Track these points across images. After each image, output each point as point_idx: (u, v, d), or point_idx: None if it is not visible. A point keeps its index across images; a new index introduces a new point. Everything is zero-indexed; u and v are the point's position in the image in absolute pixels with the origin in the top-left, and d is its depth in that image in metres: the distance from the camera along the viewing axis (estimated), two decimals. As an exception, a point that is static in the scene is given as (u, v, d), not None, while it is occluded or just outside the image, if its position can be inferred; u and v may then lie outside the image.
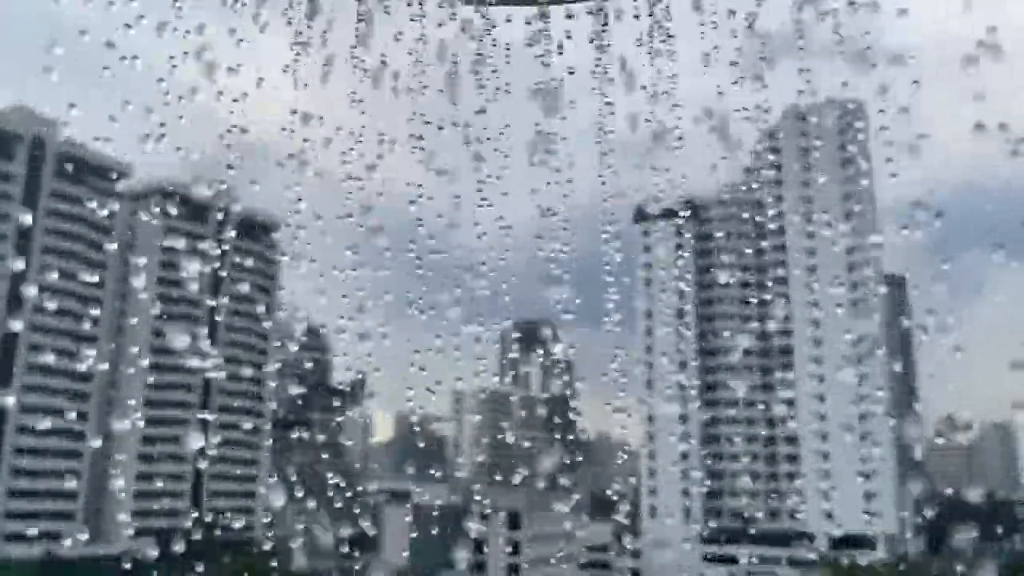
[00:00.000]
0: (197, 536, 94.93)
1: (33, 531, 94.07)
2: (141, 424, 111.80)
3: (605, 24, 7.07)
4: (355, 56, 7.04)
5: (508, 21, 7.06)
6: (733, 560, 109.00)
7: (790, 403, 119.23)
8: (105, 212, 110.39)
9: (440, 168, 7.62)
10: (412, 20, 6.93)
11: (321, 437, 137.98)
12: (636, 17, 7.09)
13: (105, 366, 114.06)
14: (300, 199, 7.96)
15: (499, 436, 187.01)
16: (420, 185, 7.88)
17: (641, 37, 7.13)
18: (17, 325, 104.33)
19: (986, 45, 6.29)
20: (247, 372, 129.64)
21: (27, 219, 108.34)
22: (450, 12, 6.92)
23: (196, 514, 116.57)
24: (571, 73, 7.14)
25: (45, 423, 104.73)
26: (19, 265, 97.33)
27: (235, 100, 7.44)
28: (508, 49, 7.11)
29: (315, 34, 7.10)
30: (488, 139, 7.45)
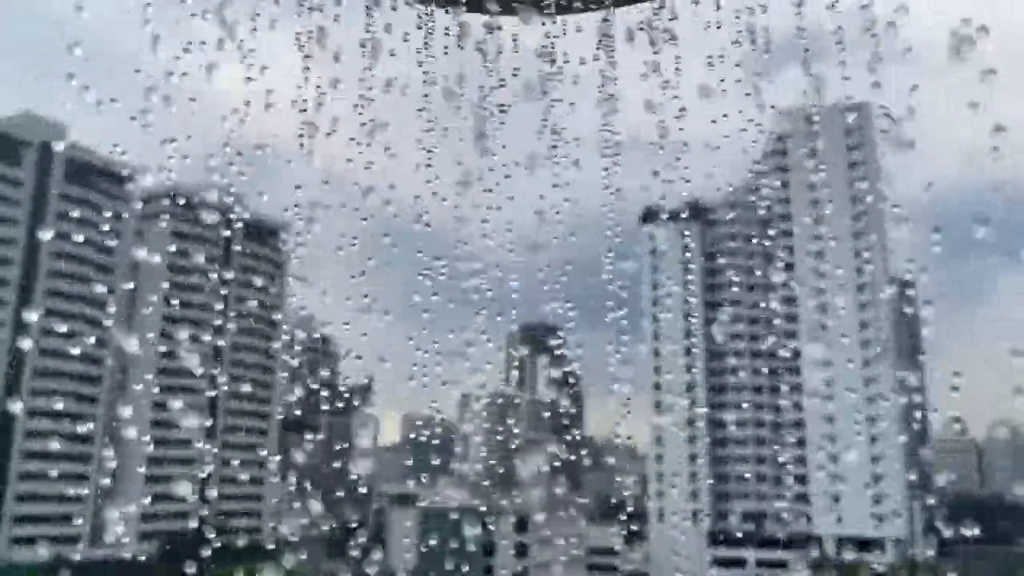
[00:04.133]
0: (203, 540, 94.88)
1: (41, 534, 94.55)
2: (148, 423, 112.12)
3: (610, 34, 7.10)
4: (364, 66, 7.08)
5: (513, 38, 7.09)
6: (741, 563, 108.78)
7: (798, 406, 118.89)
8: (112, 216, 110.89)
9: (445, 172, 7.65)
10: (419, 28, 6.96)
11: (328, 439, 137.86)
12: (640, 28, 7.12)
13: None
14: (308, 204, 8.00)
15: (506, 439, 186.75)
16: (432, 187, 7.91)
17: (645, 40, 7.16)
18: (26, 335, 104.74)
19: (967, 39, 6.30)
20: (254, 374, 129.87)
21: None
22: (456, 20, 6.96)
23: (201, 516, 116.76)
24: (575, 81, 7.17)
25: (53, 426, 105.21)
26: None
27: (247, 103, 7.48)
28: (516, 44, 7.13)
29: (323, 40, 7.14)
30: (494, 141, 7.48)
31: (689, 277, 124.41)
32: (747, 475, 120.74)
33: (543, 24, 6.99)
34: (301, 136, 7.48)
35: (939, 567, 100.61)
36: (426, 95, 7.08)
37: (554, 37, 7.03)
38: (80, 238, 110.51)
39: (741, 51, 7.44)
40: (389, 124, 7.43)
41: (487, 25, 6.93)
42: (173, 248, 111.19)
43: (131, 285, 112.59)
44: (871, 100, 7.31)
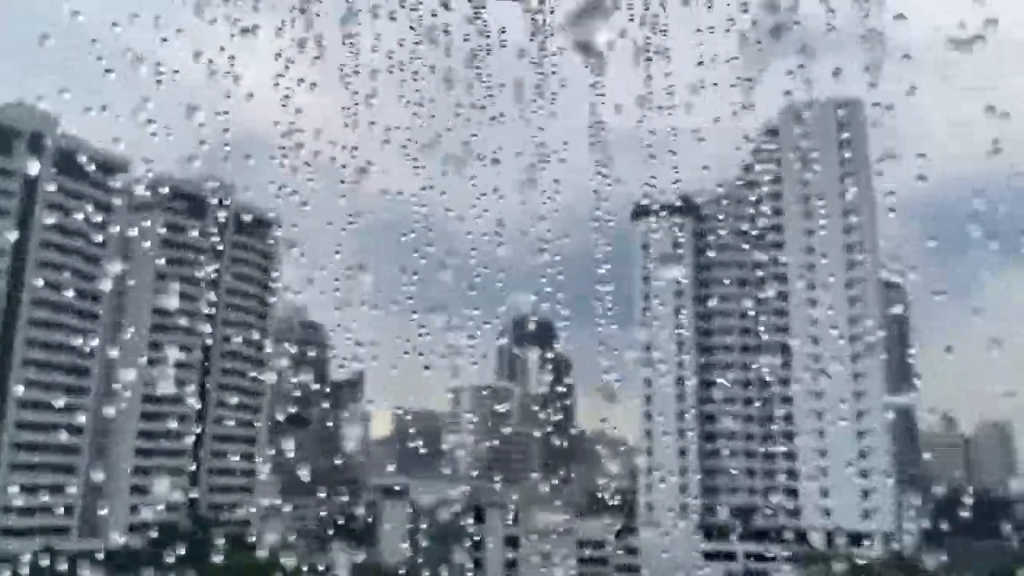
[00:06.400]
0: (193, 532, 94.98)
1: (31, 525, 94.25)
2: (137, 415, 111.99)
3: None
4: (349, 48, 7.02)
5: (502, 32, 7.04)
6: (730, 556, 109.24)
7: (788, 400, 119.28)
8: (103, 207, 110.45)
9: (437, 163, 7.61)
10: (404, 7, 6.90)
11: (319, 433, 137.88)
12: (631, 20, 7.09)
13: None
14: (298, 196, 7.95)
15: (497, 432, 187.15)
16: (426, 185, 7.87)
17: (636, 39, 7.13)
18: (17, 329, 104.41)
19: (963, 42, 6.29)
20: (245, 367, 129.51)
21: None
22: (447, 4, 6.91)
23: (190, 506, 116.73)
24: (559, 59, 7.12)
25: (42, 417, 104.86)
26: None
27: (230, 92, 7.42)
28: (504, 32, 7.08)
29: (309, 27, 7.08)
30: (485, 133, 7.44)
31: (681, 272, 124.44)
32: (736, 469, 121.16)
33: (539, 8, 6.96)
34: (288, 127, 7.43)
35: (926, 561, 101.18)
36: (416, 76, 7.04)
37: (544, 23, 6.99)
38: (71, 228, 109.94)
39: (736, 48, 7.43)
40: (378, 112, 7.39)
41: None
42: (165, 239, 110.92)
43: (122, 275, 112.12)
44: (864, 96, 7.31)
